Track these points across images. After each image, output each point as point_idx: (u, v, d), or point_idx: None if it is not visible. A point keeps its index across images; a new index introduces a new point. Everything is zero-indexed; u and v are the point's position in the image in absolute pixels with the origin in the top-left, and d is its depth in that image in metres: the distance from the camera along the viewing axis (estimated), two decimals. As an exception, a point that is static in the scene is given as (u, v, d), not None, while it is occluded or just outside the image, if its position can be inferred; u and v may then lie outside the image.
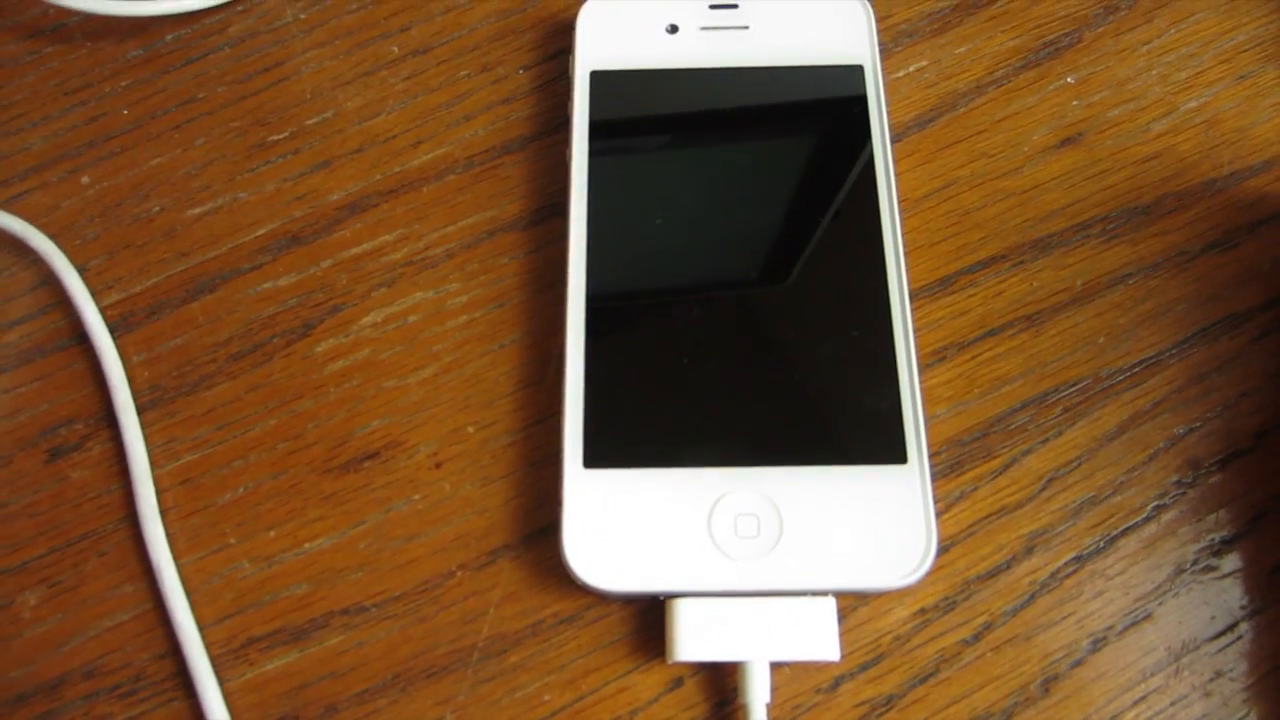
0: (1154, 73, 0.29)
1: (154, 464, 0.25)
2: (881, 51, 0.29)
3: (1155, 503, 0.24)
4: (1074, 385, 0.26)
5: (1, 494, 0.25)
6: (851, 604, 0.24)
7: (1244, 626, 0.23)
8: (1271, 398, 0.25)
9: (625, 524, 0.23)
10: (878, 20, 0.29)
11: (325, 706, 0.23)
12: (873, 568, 0.22)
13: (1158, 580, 0.24)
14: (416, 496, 0.25)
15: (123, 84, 0.30)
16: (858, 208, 0.26)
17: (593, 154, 0.27)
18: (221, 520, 0.25)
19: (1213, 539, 0.24)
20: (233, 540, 0.25)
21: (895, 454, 0.23)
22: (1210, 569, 0.24)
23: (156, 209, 0.28)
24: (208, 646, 0.23)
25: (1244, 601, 0.24)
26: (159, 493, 0.25)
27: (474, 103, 0.29)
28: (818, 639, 0.22)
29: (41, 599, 0.24)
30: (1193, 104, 0.29)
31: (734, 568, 0.22)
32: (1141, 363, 0.26)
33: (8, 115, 0.29)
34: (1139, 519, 0.24)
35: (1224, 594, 0.24)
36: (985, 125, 0.28)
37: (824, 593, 0.22)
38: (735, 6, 0.28)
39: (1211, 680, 0.23)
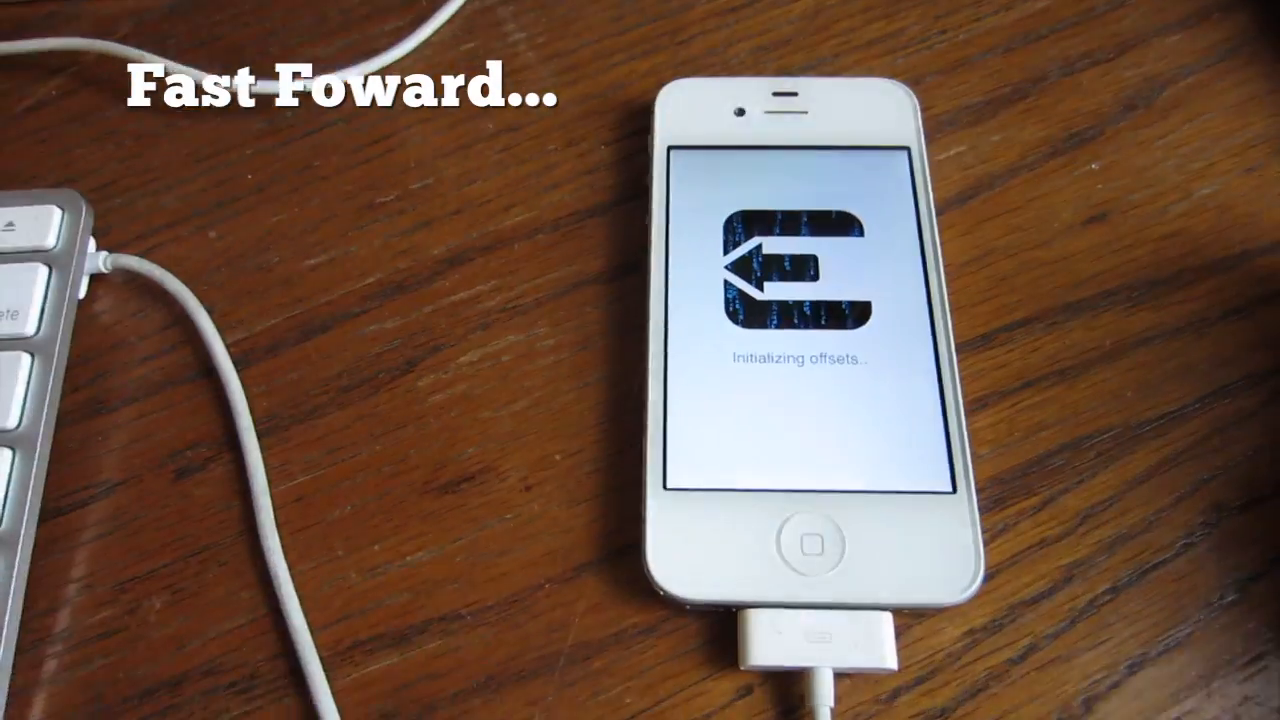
0: (1170, 163, 0.32)
1: (271, 483, 0.28)
2: (925, 137, 0.33)
3: (1183, 540, 0.27)
4: (1106, 433, 0.28)
5: (132, 509, 0.28)
6: (906, 622, 0.26)
7: (1270, 658, 0.25)
8: (1287, 449, 0.28)
9: (701, 540, 0.25)
10: (922, 110, 0.33)
11: (424, 705, 0.25)
12: (927, 586, 0.25)
13: (1187, 611, 0.26)
14: (508, 516, 0.27)
15: (247, 153, 0.34)
16: (907, 271, 0.29)
17: (670, 219, 0.30)
18: (331, 535, 0.27)
19: (1237, 576, 0.26)
20: (341, 553, 0.27)
21: (945, 483, 0.26)
22: (1235, 603, 0.26)
23: (276, 260, 0.31)
24: (318, 648, 0.26)
25: (1268, 635, 0.26)
26: (275, 509, 0.27)
27: (561, 173, 0.33)
28: (878, 650, 0.24)
29: (166, 603, 0.27)
30: (1206, 191, 0.32)
31: (801, 581, 0.25)
32: (1167, 415, 0.28)
33: (146, 179, 0.33)
34: (1169, 555, 0.27)
35: (1249, 627, 0.26)
36: (1019, 203, 0.32)
37: (883, 608, 0.25)
38: (795, 95, 0.32)
39: (1240, 704, 0.25)
